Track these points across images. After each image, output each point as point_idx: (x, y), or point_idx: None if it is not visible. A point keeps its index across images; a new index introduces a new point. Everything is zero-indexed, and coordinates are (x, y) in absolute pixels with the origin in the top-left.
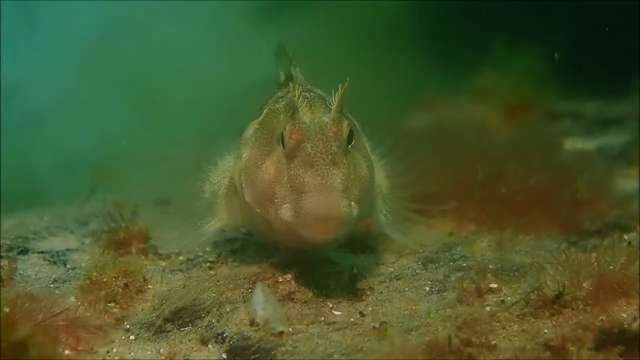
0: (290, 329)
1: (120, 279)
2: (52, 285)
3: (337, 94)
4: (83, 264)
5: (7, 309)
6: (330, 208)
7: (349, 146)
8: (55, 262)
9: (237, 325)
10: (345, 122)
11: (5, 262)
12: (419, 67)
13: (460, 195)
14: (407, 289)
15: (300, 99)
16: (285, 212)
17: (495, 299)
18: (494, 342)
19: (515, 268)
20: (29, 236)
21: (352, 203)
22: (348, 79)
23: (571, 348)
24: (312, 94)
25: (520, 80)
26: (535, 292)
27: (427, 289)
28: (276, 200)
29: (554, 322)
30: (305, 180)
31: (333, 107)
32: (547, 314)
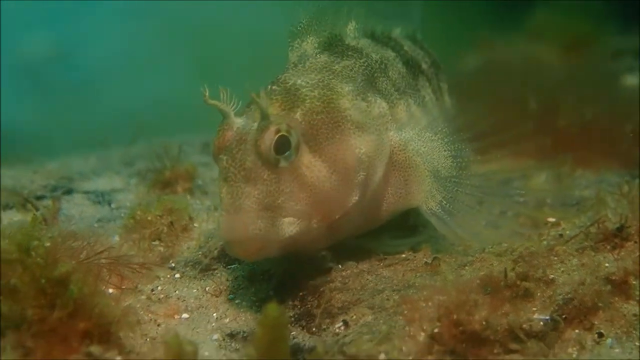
0: (340, 265)
1: (165, 217)
2: (96, 225)
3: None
4: (128, 204)
5: (48, 243)
6: (235, 231)
7: (285, 155)
8: (99, 202)
9: (284, 262)
10: (272, 130)
11: (49, 201)
12: (476, 9)
13: (515, 128)
14: None
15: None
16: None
17: (553, 232)
18: (552, 276)
19: (574, 202)
20: (74, 177)
21: (286, 219)
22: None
23: (633, 282)
24: (282, 85)
25: (578, 17)
26: (596, 225)
27: (483, 223)
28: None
29: (615, 256)
30: (221, 196)
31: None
32: (608, 247)
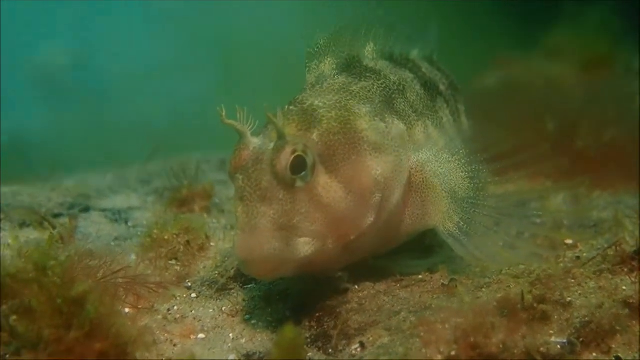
0: (356, 286)
1: (181, 236)
2: (113, 243)
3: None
4: (145, 222)
5: (65, 262)
6: (250, 250)
7: (302, 176)
8: (116, 220)
9: (301, 282)
10: (289, 150)
11: (66, 219)
12: (493, 27)
13: (532, 150)
14: None
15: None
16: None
17: (570, 255)
18: (570, 299)
19: (592, 224)
20: (91, 194)
21: (302, 239)
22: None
23: None
24: (299, 106)
25: (596, 37)
26: (613, 247)
27: (500, 245)
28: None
29: (632, 279)
30: (237, 215)
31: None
32: (625, 270)
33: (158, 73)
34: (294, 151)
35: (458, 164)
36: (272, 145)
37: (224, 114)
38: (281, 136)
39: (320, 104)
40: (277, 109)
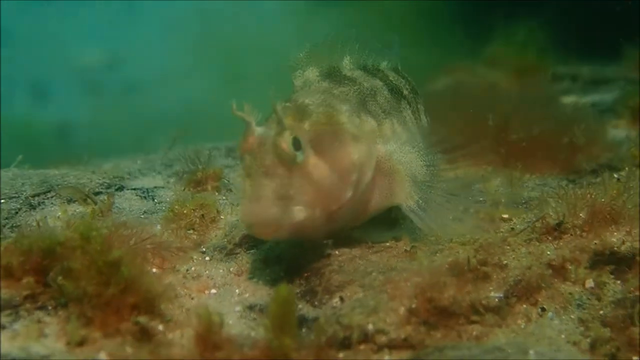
0: (337, 252)
1: (197, 210)
2: (142, 216)
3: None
4: (168, 199)
5: (106, 232)
6: (255, 215)
7: (298, 153)
8: (145, 197)
9: (292, 248)
10: (286, 133)
11: (104, 196)
12: (444, 40)
13: (476, 141)
14: None
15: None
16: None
17: (506, 226)
18: (505, 262)
19: (523, 201)
20: (125, 176)
21: (296, 207)
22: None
23: (570, 267)
24: (293, 103)
25: (524, 49)
26: (540, 220)
27: (450, 218)
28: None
29: (555, 246)
30: (244, 188)
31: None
32: (549, 239)
33: (177, 72)
34: (291, 133)
35: (418, 155)
36: (272, 132)
37: (234, 106)
38: (281, 124)
39: (310, 102)
40: (277, 102)
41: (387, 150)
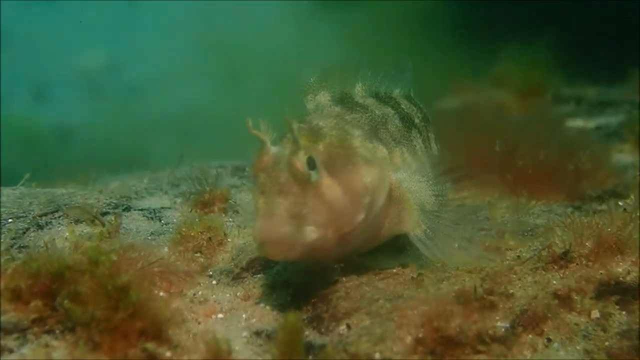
0: (344, 278)
1: (205, 233)
2: (149, 238)
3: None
4: (175, 220)
5: (114, 257)
6: (268, 233)
7: (312, 173)
8: (152, 218)
9: (300, 274)
10: (300, 153)
11: (112, 217)
12: (452, 60)
13: (483, 167)
14: None
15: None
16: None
17: (512, 254)
18: (512, 291)
19: (529, 229)
20: (132, 196)
21: (309, 227)
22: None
23: (575, 297)
24: (307, 125)
25: (530, 69)
26: (546, 249)
27: (456, 245)
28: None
29: (561, 275)
30: (257, 206)
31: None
32: (555, 268)
33: (178, 75)
34: (306, 153)
35: (427, 184)
36: (287, 151)
37: (250, 124)
38: (296, 143)
39: (323, 124)
40: (293, 124)
41: (397, 178)
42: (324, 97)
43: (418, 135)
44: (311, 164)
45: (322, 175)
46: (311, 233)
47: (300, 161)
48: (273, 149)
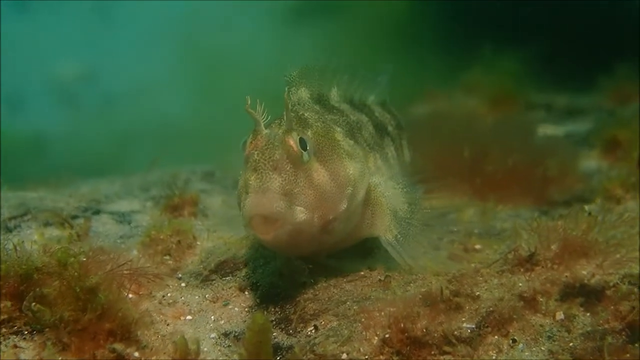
0: (312, 280)
1: (174, 236)
2: (119, 241)
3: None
4: (144, 224)
5: (84, 258)
6: (262, 206)
7: (305, 153)
8: (121, 222)
9: (268, 276)
10: (293, 133)
11: (82, 220)
12: (426, 66)
13: (453, 172)
14: None
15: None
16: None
17: (479, 257)
18: (478, 293)
19: (496, 232)
20: (102, 199)
21: (298, 207)
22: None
23: (541, 299)
24: (294, 113)
25: (503, 77)
26: (512, 252)
27: (422, 250)
28: (241, 201)
29: (527, 278)
30: (249, 182)
31: (285, 120)
32: (521, 270)
33: (153, 85)
34: (298, 133)
35: (400, 192)
36: (280, 132)
37: (249, 102)
38: (290, 123)
39: (309, 115)
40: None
41: (372, 182)
42: (304, 93)
43: (391, 143)
44: (303, 144)
45: (312, 159)
46: (300, 213)
47: (294, 139)
48: (265, 131)
